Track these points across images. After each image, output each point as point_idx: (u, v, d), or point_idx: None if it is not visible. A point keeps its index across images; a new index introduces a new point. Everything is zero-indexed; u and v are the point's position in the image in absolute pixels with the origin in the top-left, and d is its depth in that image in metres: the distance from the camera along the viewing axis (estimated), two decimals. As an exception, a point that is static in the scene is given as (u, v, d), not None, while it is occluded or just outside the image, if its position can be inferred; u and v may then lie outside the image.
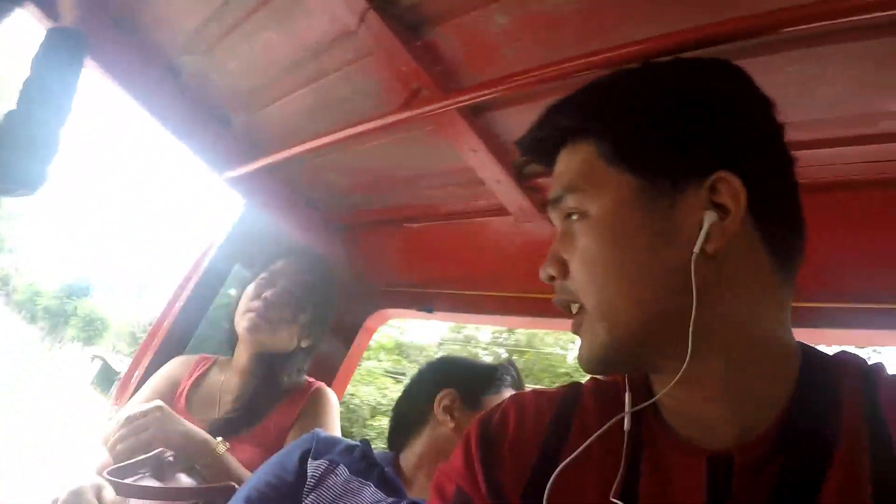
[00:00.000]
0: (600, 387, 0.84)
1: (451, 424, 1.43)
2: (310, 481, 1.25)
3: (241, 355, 1.87)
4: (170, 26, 1.89)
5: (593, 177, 0.74)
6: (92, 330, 34.82)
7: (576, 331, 0.76)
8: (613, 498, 0.70)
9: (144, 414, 1.47)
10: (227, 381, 1.85)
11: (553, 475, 0.74)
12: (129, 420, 1.47)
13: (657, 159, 0.71)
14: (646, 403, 0.74)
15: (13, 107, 1.46)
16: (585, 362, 0.74)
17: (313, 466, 1.27)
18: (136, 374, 2.13)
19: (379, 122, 1.55)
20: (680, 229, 0.68)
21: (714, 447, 0.69)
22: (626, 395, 0.77)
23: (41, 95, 1.48)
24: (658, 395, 0.73)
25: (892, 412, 0.64)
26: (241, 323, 1.83)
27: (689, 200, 0.69)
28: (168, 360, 1.96)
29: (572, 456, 0.74)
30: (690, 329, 0.66)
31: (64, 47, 1.53)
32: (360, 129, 1.60)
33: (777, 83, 1.09)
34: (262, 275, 1.92)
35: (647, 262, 0.69)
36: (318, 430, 1.40)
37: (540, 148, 0.84)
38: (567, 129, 0.79)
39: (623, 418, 0.75)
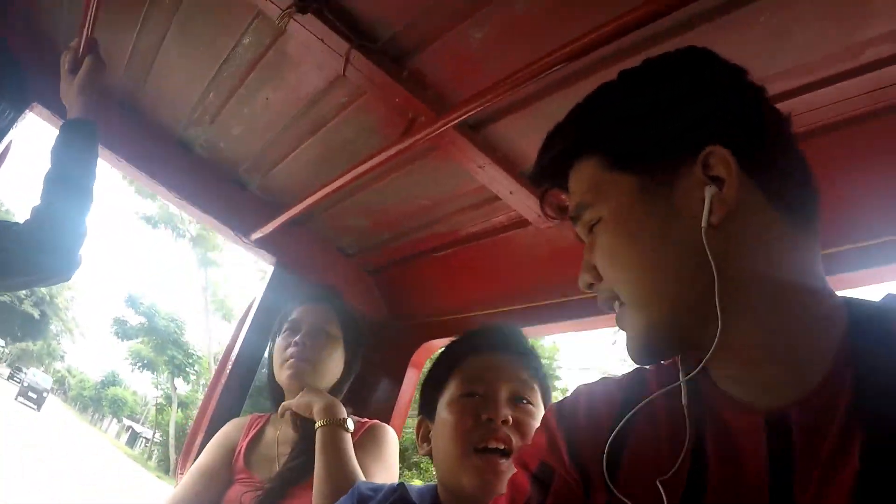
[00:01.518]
0: (662, 368, 0.86)
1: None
2: None
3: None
4: (172, 102, 1.97)
5: (599, 187, 0.79)
6: (116, 407, 52.08)
7: (619, 325, 0.79)
8: (685, 464, 0.72)
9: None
10: (282, 435, 1.86)
11: (609, 443, 0.78)
12: None
13: (647, 154, 0.76)
14: (693, 372, 0.74)
15: (37, 202, 1.53)
16: (632, 353, 0.77)
17: None
18: (196, 443, 2.17)
19: (382, 156, 1.58)
20: (684, 210, 0.72)
21: (771, 405, 0.69)
22: (680, 372, 0.78)
23: (62, 186, 1.55)
24: (702, 363, 0.73)
25: None
26: (283, 373, 1.85)
27: (687, 181, 0.72)
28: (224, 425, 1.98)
29: (632, 412, 0.79)
30: (717, 300, 0.68)
31: (78, 138, 1.59)
32: (365, 166, 1.63)
33: (753, 37, 1.09)
34: (285, 326, 1.94)
35: (661, 247, 0.73)
36: (359, 483, 1.38)
37: (549, 176, 0.90)
38: (565, 154, 0.85)
39: (681, 393, 0.77)
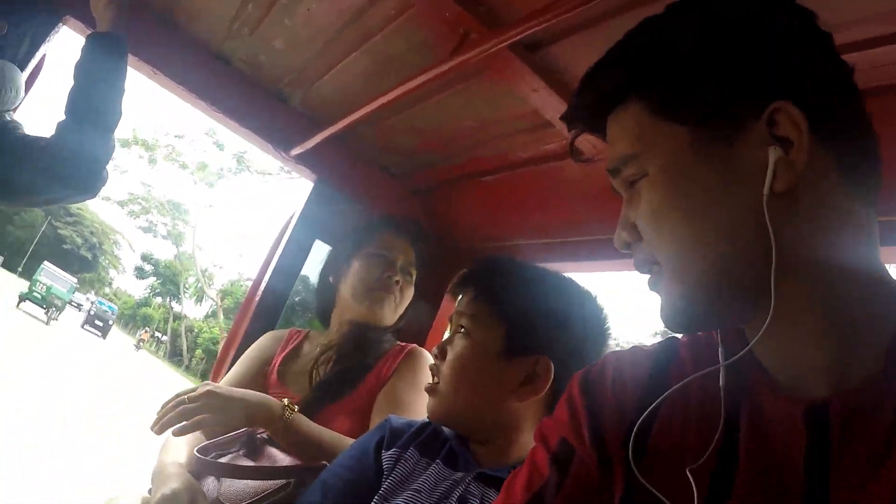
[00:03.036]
0: (695, 340, 0.79)
1: None
2: (385, 472, 1.22)
3: (338, 326, 1.88)
4: (210, 14, 1.89)
5: (646, 137, 0.70)
6: (146, 321, 74.05)
7: (653, 289, 0.73)
8: (715, 450, 0.67)
9: (195, 399, 1.37)
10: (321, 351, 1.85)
11: (636, 430, 0.72)
12: (178, 402, 1.36)
13: (705, 103, 0.66)
14: (737, 356, 0.68)
15: (62, 118, 1.48)
16: (665, 320, 0.71)
17: (386, 457, 1.24)
18: (230, 354, 2.20)
19: (432, 73, 1.49)
20: (743, 171, 0.64)
21: (813, 395, 0.63)
22: (720, 350, 0.72)
23: (88, 102, 1.49)
24: (748, 347, 0.67)
25: None
26: (365, 300, 1.84)
27: (749, 139, 0.64)
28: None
29: (662, 398, 0.72)
30: (773, 274, 0.61)
31: (104, 51, 1.53)
32: (414, 83, 1.54)
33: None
34: (371, 248, 1.91)
35: (714, 210, 0.65)
36: (390, 417, 1.34)
37: (586, 117, 0.80)
38: (606, 97, 0.75)
39: (717, 372, 0.70)
